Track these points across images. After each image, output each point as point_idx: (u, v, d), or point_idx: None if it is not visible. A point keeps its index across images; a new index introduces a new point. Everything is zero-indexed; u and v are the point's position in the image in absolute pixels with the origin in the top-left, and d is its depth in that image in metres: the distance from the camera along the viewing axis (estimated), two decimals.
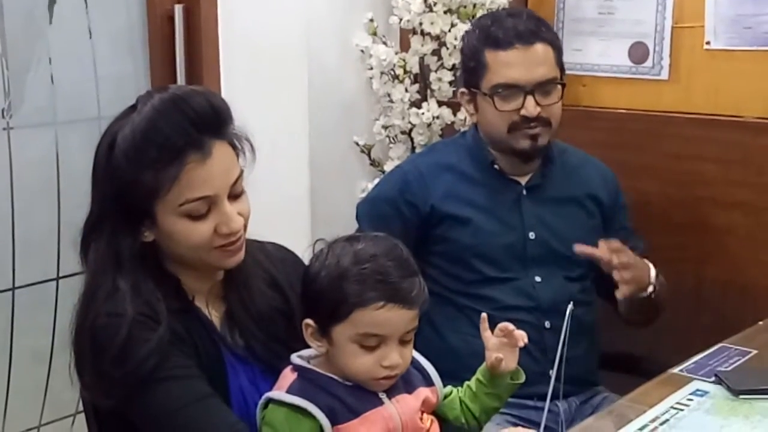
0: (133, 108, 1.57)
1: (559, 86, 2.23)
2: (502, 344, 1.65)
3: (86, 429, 1.76)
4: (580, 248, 2.14)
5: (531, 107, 2.18)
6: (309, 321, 1.58)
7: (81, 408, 1.80)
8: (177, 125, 1.52)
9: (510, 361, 1.66)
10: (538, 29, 2.22)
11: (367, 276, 1.52)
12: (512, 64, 2.19)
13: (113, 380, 1.51)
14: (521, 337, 1.65)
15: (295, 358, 1.61)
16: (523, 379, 1.69)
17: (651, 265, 2.21)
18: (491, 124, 2.23)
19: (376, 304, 1.52)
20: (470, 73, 2.27)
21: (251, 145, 1.63)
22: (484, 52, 2.21)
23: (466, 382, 1.70)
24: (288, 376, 1.59)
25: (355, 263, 1.54)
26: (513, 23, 2.21)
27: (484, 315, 1.69)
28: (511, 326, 1.65)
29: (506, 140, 2.22)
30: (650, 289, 2.19)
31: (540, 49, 2.20)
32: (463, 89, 2.31)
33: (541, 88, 2.19)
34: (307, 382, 1.56)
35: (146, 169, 1.51)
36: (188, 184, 1.53)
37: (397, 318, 1.53)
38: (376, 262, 1.54)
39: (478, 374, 1.69)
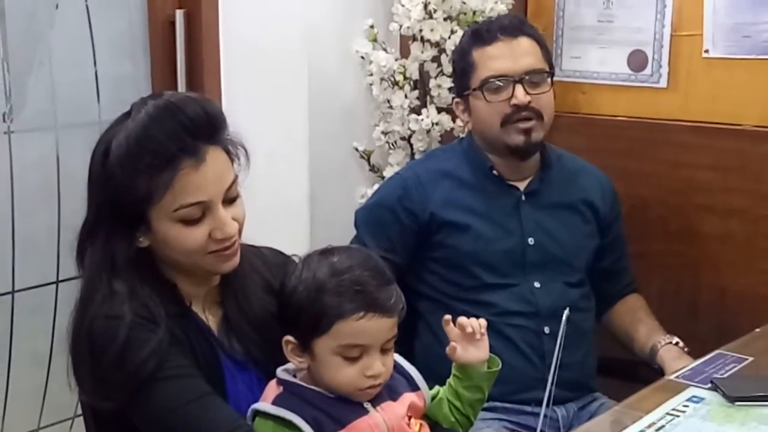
0: (127, 115, 1.58)
1: (548, 78, 2.25)
2: (463, 336, 1.68)
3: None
4: None
5: (520, 95, 2.20)
6: (289, 337, 1.58)
7: (79, 411, 1.80)
8: (170, 132, 1.53)
9: (476, 352, 1.68)
10: (522, 25, 2.30)
11: (346, 287, 1.54)
12: (498, 56, 2.23)
13: (112, 382, 1.52)
14: (476, 328, 1.68)
15: (280, 371, 1.61)
16: (499, 365, 1.71)
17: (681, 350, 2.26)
18: (484, 120, 2.25)
19: (356, 315, 1.53)
20: (460, 76, 2.31)
21: (246, 151, 1.64)
22: (471, 52, 2.26)
23: (448, 380, 1.72)
24: (273, 389, 1.60)
25: (332, 275, 1.55)
26: (498, 22, 2.30)
27: (447, 317, 1.70)
28: (465, 321, 1.68)
29: (500, 136, 2.23)
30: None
31: (525, 41, 2.25)
32: (457, 99, 2.35)
33: (529, 78, 2.22)
34: (292, 396, 1.57)
35: (140, 176, 1.52)
36: (182, 190, 1.54)
37: (378, 327, 1.55)
38: (353, 273, 1.55)
39: (453, 369, 1.71)
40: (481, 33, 2.26)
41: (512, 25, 2.26)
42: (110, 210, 1.57)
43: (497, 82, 2.22)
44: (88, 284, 1.59)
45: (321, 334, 1.54)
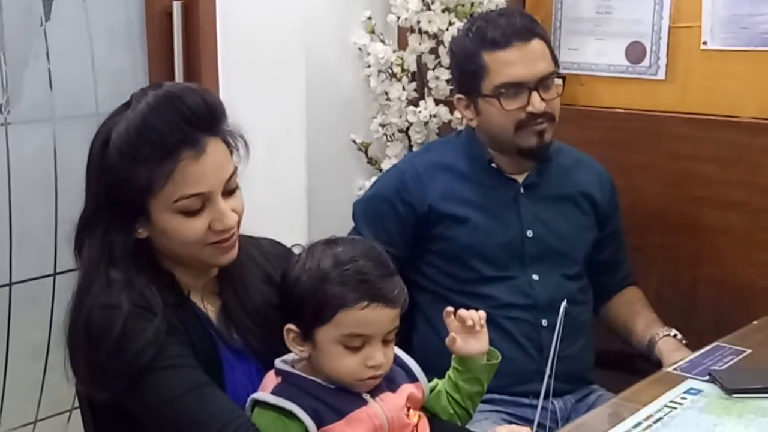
0: (127, 105, 1.57)
1: (559, 80, 2.24)
2: (463, 328, 1.69)
3: (82, 424, 1.77)
4: None
5: (537, 103, 2.18)
6: (291, 326, 1.58)
7: (77, 404, 1.81)
8: (171, 122, 1.52)
9: (476, 344, 1.69)
10: (533, 25, 2.24)
11: (350, 277, 1.54)
12: (514, 62, 2.18)
13: (109, 372, 1.51)
14: (476, 320, 1.68)
15: (278, 362, 1.61)
16: (498, 357, 1.72)
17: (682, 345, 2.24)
18: (497, 125, 2.22)
19: (360, 304, 1.53)
20: (468, 77, 2.25)
21: (245, 142, 1.63)
22: (482, 54, 2.20)
23: (447, 373, 1.72)
24: (272, 379, 1.60)
25: (336, 265, 1.55)
26: (507, 22, 2.21)
27: (449, 309, 1.71)
28: (465, 313, 1.69)
29: (513, 140, 2.22)
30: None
31: (537, 44, 2.21)
32: (459, 96, 2.30)
33: (543, 83, 2.20)
34: (291, 386, 1.57)
35: (140, 166, 1.52)
36: (182, 181, 1.53)
37: (381, 317, 1.55)
38: (357, 264, 1.55)
39: (453, 361, 1.71)
40: (493, 37, 2.19)
41: (525, 28, 2.20)
42: (109, 201, 1.56)
43: (513, 90, 2.18)
44: (85, 275, 1.59)
45: (324, 323, 1.54)
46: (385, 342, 1.57)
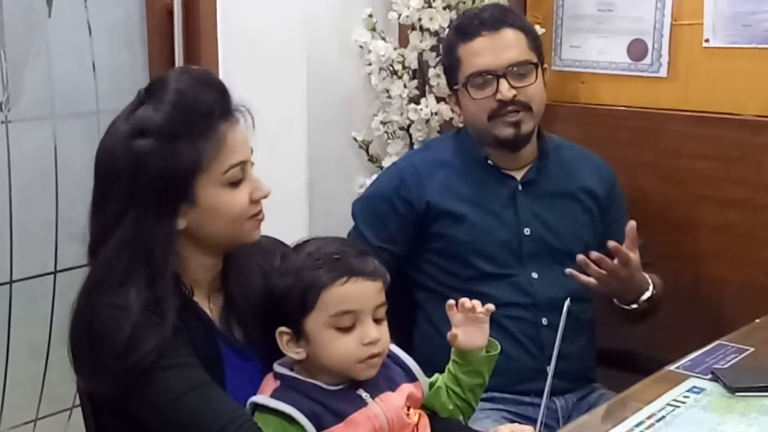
0: (140, 102, 1.57)
1: (535, 68, 2.24)
2: (466, 319, 1.69)
3: (83, 422, 1.76)
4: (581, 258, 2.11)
5: (505, 90, 2.19)
6: (282, 328, 1.59)
7: (78, 402, 1.80)
8: (205, 93, 1.55)
9: (476, 337, 1.70)
10: (504, 16, 2.27)
11: (324, 260, 1.57)
12: (480, 52, 2.22)
13: (112, 372, 1.50)
14: (477, 305, 1.70)
15: (277, 366, 1.61)
16: (497, 349, 1.73)
17: (650, 284, 2.20)
18: (472, 115, 2.25)
19: (339, 281, 1.55)
20: (449, 72, 2.32)
21: (251, 117, 1.64)
22: (457, 47, 2.26)
23: (447, 366, 1.72)
24: (270, 383, 1.60)
25: (309, 255, 1.59)
26: (479, 14, 2.28)
27: (450, 302, 1.72)
28: (468, 302, 1.70)
29: (489, 130, 2.23)
30: (633, 306, 2.19)
31: (508, 33, 2.23)
32: (449, 93, 2.35)
33: (514, 71, 2.21)
34: (289, 389, 1.57)
35: (185, 142, 1.52)
36: (229, 150, 1.55)
37: (364, 290, 1.56)
38: (329, 249, 1.59)
39: (453, 355, 1.72)
40: (464, 28, 2.26)
41: (493, 18, 2.24)
42: (144, 195, 1.53)
43: (480, 79, 2.21)
44: (99, 272, 1.56)
45: (309, 310, 1.55)
46: (377, 321, 1.58)
